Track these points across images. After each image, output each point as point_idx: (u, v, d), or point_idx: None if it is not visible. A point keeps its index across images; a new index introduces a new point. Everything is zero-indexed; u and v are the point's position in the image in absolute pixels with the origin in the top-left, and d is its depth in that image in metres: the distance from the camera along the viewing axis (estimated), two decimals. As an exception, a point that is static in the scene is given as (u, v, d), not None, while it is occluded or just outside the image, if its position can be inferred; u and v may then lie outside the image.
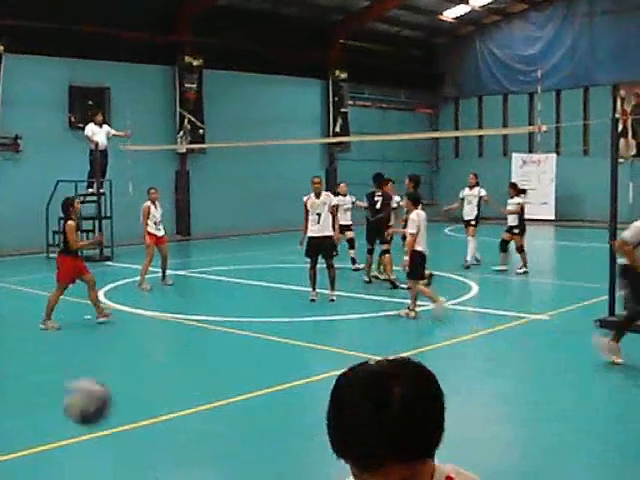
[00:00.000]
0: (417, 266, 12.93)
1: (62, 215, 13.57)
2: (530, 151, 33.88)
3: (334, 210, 14.69)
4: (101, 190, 21.83)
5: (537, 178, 32.35)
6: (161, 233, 16.79)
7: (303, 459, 7.01)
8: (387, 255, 16.22)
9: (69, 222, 12.57)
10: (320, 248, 14.49)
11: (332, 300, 14.43)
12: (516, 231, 17.89)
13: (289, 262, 18.90)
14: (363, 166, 32.25)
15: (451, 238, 26.39)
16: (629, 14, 30.73)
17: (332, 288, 14.58)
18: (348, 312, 13.57)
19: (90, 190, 22.06)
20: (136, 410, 8.12)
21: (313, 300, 14.46)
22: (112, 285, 16.82)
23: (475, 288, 15.85)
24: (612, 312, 11.94)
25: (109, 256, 21.43)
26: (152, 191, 16.85)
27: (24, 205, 22.58)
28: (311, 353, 10.95)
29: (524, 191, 18.58)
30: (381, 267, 16.84)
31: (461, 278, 17.13)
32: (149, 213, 16.56)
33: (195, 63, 27.24)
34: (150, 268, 16.30)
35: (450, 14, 33.68)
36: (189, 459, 6.98)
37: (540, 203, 32.38)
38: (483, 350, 10.99)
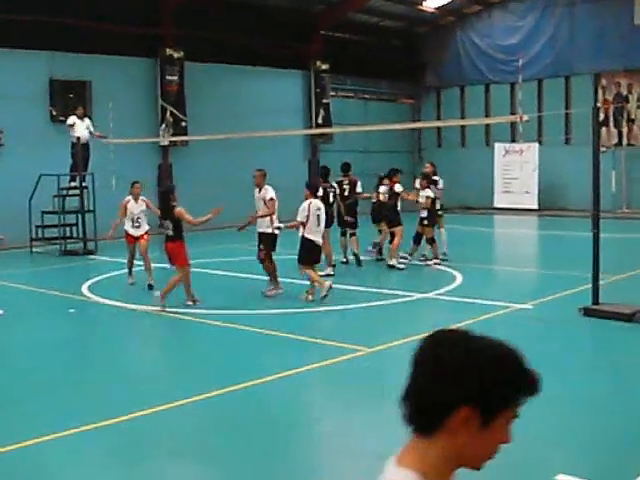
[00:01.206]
0: (306, 253, 13.65)
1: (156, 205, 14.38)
2: (512, 140, 33.98)
3: (269, 204, 14.04)
4: (84, 184, 21.73)
5: (519, 167, 32.48)
6: (140, 231, 15.76)
7: (286, 455, 7.03)
8: (354, 237, 17.72)
9: (178, 208, 13.33)
10: (258, 242, 14.42)
11: (267, 296, 14.02)
12: (425, 222, 17.65)
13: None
14: (346, 157, 32.11)
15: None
16: (609, 3, 30.83)
17: (269, 282, 14.25)
18: (338, 303, 13.53)
19: (73, 184, 21.97)
20: (121, 403, 8.12)
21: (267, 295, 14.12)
22: (95, 279, 16.78)
23: (459, 278, 15.90)
24: (596, 301, 12.00)
25: (92, 250, 21.38)
26: (136, 185, 15.97)
27: (6, 199, 22.41)
28: (298, 345, 10.96)
29: (435, 182, 18.24)
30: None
31: (445, 268, 17.18)
32: (126, 209, 15.68)
33: (176, 55, 27.12)
34: (135, 262, 15.98)
35: (431, 4, 33.62)
36: (173, 453, 6.99)
37: (523, 192, 32.52)
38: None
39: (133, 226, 15.75)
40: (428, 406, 1.92)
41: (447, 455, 1.92)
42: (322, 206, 14.17)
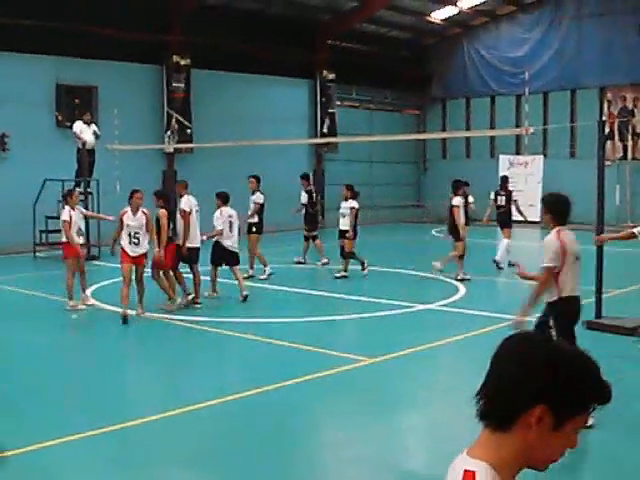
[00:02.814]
0: (216, 255, 14.62)
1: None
2: (517, 153, 34.02)
3: (183, 217, 14.20)
4: (88, 189, 21.74)
5: (524, 180, 32.46)
6: (139, 250, 13.17)
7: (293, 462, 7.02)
8: (318, 240, 19.61)
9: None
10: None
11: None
12: (347, 235, 17.44)
13: (274, 262, 18.78)
14: (350, 167, 32.30)
15: (437, 239, 26.39)
16: (616, 17, 30.88)
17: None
18: (340, 313, 13.55)
19: (77, 189, 21.94)
20: (125, 409, 8.11)
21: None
22: (98, 285, 16.76)
23: (462, 289, 15.88)
24: (599, 314, 11.97)
25: (96, 255, 21.37)
26: (136, 195, 13.23)
27: (11, 204, 22.44)
28: (300, 354, 10.95)
29: (358, 194, 18.10)
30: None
31: (447, 280, 17.15)
32: (122, 223, 13.16)
33: (183, 62, 27.20)
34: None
35: (438, 15, 33.74)
36: (176, 461, 6.98)
37: (527, 205, 32.46)
38: (470, 352, 11.00)
39: (131, 242, 13.09)
40: (507, 402, 2.01)
41: (517, 450, 2.02)
42: (234, 213, 14.93)
